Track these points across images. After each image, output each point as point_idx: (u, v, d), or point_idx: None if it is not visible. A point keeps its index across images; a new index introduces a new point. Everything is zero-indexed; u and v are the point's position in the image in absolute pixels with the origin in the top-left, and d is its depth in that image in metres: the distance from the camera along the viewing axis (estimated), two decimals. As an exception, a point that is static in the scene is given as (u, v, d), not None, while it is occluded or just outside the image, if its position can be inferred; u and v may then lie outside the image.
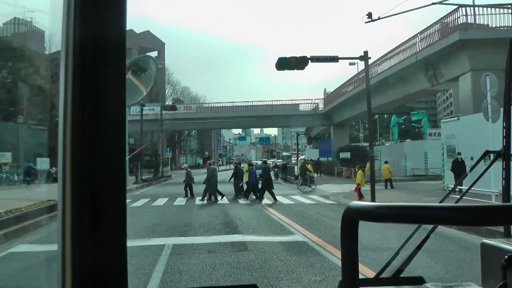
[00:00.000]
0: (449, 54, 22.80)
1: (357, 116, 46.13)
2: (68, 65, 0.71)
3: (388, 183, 25.40)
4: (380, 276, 1.35)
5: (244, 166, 25.85)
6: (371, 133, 19.97)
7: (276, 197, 20.66)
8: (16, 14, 44.17)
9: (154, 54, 61.61)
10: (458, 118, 21.10)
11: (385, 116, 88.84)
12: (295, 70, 18.63)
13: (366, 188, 18.90)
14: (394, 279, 1.34)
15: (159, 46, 66.26)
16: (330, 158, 45.82)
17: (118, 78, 0.73)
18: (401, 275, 1.36)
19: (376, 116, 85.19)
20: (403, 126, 20.01)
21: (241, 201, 18.91)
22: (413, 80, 27.47)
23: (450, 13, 22.02)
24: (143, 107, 34.01)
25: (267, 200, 18.70)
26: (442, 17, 22.78)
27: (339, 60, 19.18)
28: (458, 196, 1.81)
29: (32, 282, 6.92)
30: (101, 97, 0.72)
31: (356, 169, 21.05)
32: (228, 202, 18.49)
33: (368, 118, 19.79)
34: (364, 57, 19.66)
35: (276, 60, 17.71)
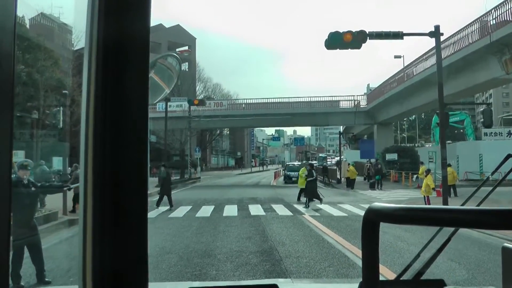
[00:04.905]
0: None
1: (405, 113, 41.83)
2: (91, 63, 0.71)
3: (452, 190, 21.50)
4: (401, 278, 1.35)
5: (303, 170, 20.72)
6: (443, 129, 15.93)
7: (321, 206, 17.00)
8: (42, 9, 42.22)
9: (184, 49, 58.91)
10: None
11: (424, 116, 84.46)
12: (349, 49, 14.94)
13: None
14: (414, 281, 1.32)
15: (190, 41, 63.17)
16: (372, 160, 41.84)
17: (141, 78, 0.73)
18: (422, 278, 1.34)
19: (414, 116, 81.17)
20: (482, 120, 15.78)
21: (281, 212, 15.16)
22: (482, 67, 23.07)
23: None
24: (169, 102, 30.74)
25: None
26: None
27: (404, 37, 15.34)
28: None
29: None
30: (124, 96, 0.72)
31: (425, 173, 17.15)
32: (264, 213, 14.78)
33: (440, 110, 15.77)
34: (435, 32, 15.74)
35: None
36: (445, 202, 15.02)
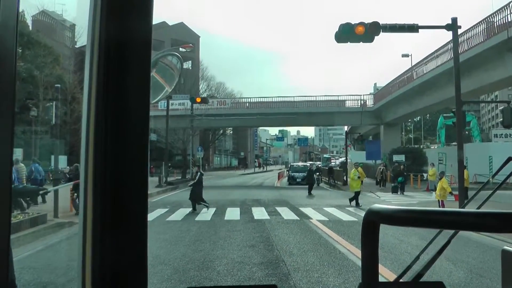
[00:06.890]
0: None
1: (414, 113, 40.91)
2: (93, 61, 0.71)
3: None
4: (400, 280, 1.29)
5: (354, 171, 18.88)
6: (460, 128, 14.97)
7: (328, 209, 16.09)
8: (43, 7, 41.63)
9: (187, 45, 58.12)
10: None
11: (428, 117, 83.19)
12: (361, 42, 13.99)
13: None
14: (414, 283, 1.24)
15: (193, 39, 62.20)
16: (379, 161, 40.87)
17: (143, 76, 0.73)
18: (421, 280, 1.26)
19: (419, 117, 79.89)
20: (502, 120, 14.73)
21: (286, 216, 14.23)
22: (497, 65, 22.07)
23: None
24: (170, 100, 29.85)
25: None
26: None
27: (419, 30, 14.39)
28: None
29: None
30: (125, 95, 0.71)
31: (438, 176, 16.19)
32: (269, 217, 13.85)
33: (457, 108, 14.82)
34: (452, 25, 14.83)
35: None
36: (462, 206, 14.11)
